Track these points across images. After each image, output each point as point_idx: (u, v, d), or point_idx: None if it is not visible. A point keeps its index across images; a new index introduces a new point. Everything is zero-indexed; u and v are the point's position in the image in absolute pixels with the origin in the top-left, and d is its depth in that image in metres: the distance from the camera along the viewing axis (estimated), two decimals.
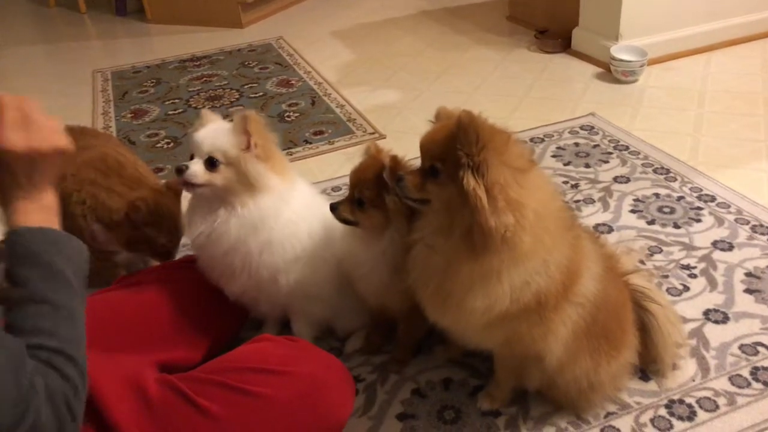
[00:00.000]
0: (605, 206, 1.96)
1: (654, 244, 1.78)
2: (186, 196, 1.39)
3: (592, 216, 1.92)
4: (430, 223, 1.10)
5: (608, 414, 1.30)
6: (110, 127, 2.72)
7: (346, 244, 1.32)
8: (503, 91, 2.80)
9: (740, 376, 1.37)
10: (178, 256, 1.61)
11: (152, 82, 3.17)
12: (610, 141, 2.32)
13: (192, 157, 1.28)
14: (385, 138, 2.45)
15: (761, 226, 1.82)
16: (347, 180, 1.27)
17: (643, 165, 2.16)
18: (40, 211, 0.88)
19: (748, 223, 1.84)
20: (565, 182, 2.09)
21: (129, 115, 2.83)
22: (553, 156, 2.25)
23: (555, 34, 3.15)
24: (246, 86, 3.05)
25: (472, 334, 1.20)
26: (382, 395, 1.38)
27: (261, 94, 2.96)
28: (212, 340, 1.36)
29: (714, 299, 1.58)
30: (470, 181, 0.97)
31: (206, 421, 1.02)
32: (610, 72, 2.80)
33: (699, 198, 1.96)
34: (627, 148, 2.26)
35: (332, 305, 1.46)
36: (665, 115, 2.49)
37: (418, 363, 1.45)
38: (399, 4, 4.10)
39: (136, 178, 1.54)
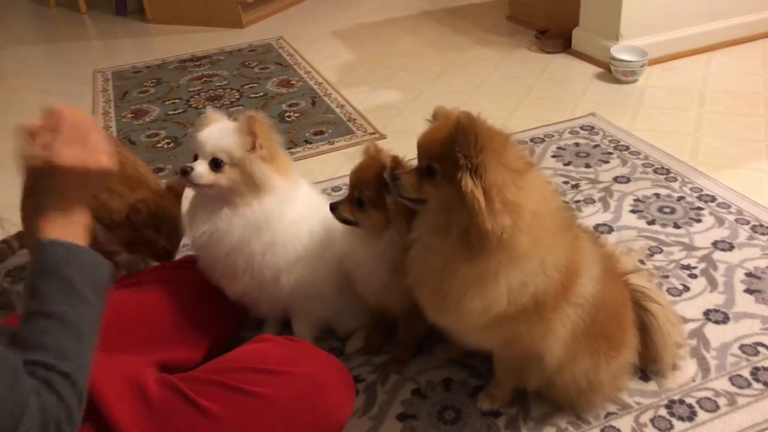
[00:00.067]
0: (605, 206, 1.96)
1: (654, 244, 1.78)
2: (186, 197, 1.39)
3: (592, 216, 1.92)
4: (427, 223, 1.10)
5: (608, 414, 1.30)
6: (110, 127, 2.72)
7: (346, 244, 1.32)
8: (503, 91, 2.80)
9: (740, 376, 1.37)
10: (178, 256, 1.61)
11: (152, 82, 3.17)
12: (610, 141, 2.32)
13: (196, 158, 1.27)
14: (385, 138, 2.45)
15: (761, 226, 1.82)
16: (347, 180, 1.27)
17: (643, 165, 2.16)
18: (70, 225, 0.88)
19: (748, 223, 1.84)
20: (566, 182, 2.09)
21: (129, 115, 2.83)
22: (554, 156, 2.25)
23: (555, 34, 3.15)
24: (246, 86, 3.05)
25: (470, 335, 1.20)
26: (382, 395, 1.38)
27: (261, 94, 2.96)
28: (212, 340, 1.36)
29: (714, 299, 1.58)
30: (468, 183, 0.97)
31: (206, 421, 1.02)
32: (611, 72, 2.80)
33: (699, 198, 1.96)
34: (627, 148, 2.26)
35: (333, 305, 1.46)
36: (665, 115, 2.49)
37: (419, 363, 1.45)
38: (399, 4, 4.10)
39: (137, 178, 1.54)
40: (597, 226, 1.86)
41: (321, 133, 2.54)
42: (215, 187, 1.26)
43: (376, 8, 4.05)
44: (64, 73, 3.47)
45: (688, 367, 1.39)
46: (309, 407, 1.07)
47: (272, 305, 1.44)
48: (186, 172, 1.24)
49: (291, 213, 1.31)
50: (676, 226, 1.85)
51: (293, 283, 1.35)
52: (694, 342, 1.46)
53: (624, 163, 2.18)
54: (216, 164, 1.25)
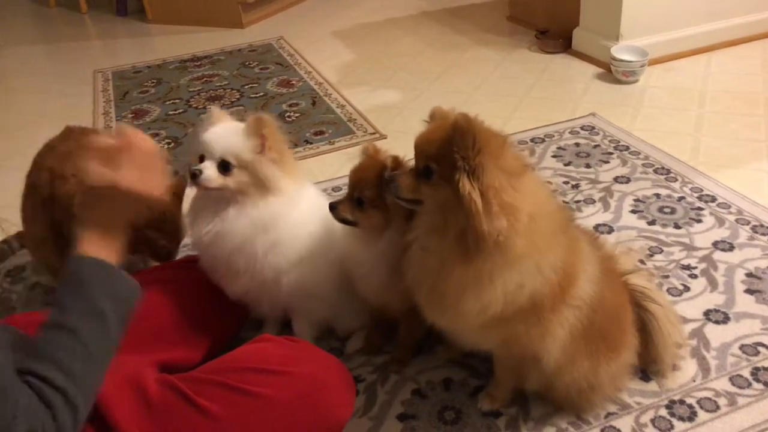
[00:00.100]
0: (606, 206, 1.96)
1: (654, 244, 1.78)
2: (187, 196, 1.39)
3: (592, 216, 1.92)
4: (424, 223, 1.10)
5: (608, 414, 1.30)
6: (111, 127, 2.72)
7: (346, 244, 1.32)
8: (503, 91, 2.80)
9: (741, 376, 1.37)
10: (179, 256, 1.61)
11: (153, 82, 3.18)
12: (610, 141, 2.31)
13: (202, 159, 1.26)
14: (385, 138, 2.45)
15: (762, 226, 1.82)
16: (347, 180, 1.27)
17: (643, 165, 2.16)
18: (107, 245, 0.89)
19: (748, 223, 1.83)
20: (566, 182, 2.09)
21: (130, 115, 2.83)
22: (554, 156, 2.25)
23: (555, 35, 3.15)
24: (246, 86, 3.05)
25: (468, 335, 1.20)
26: (382, 395, 1.38)
27: (261, 94, 2.96)
28: (212, 340, 1.36)
29: (714, 299, 1.58)
30: (465, 185, 0.97)
31: (206, 421, 1.02)
32: (611, 72, 2.80)
33: (699, 198, 1.96)
34: (627, 148, 2.26)
35: (333, 305, 1.46)
36: (666, 115, 2.49)
37: (419, 363, 1.45)
38: (399, 4, 4.10)
39: None
40: (597, 226, 1.86)
41: (321, 133, 2.54)
42: (224, 189, 1.25)
43: (376, 8, 4.05)
44: (65, 73, 3.47)
45: (689, 368, 1.39)
46: (309, 407, 1.07)
47: (273, 305, 1.44)
48: (195, 176, 1.23)
49: (296, 214, 1.31)
50: (677, 226, 1.85)
51: (294, 283, 1.34)
52: (694, 342, 1.45)
53: (624, 163, 2.18)
54: (224, 167, 1.24)
